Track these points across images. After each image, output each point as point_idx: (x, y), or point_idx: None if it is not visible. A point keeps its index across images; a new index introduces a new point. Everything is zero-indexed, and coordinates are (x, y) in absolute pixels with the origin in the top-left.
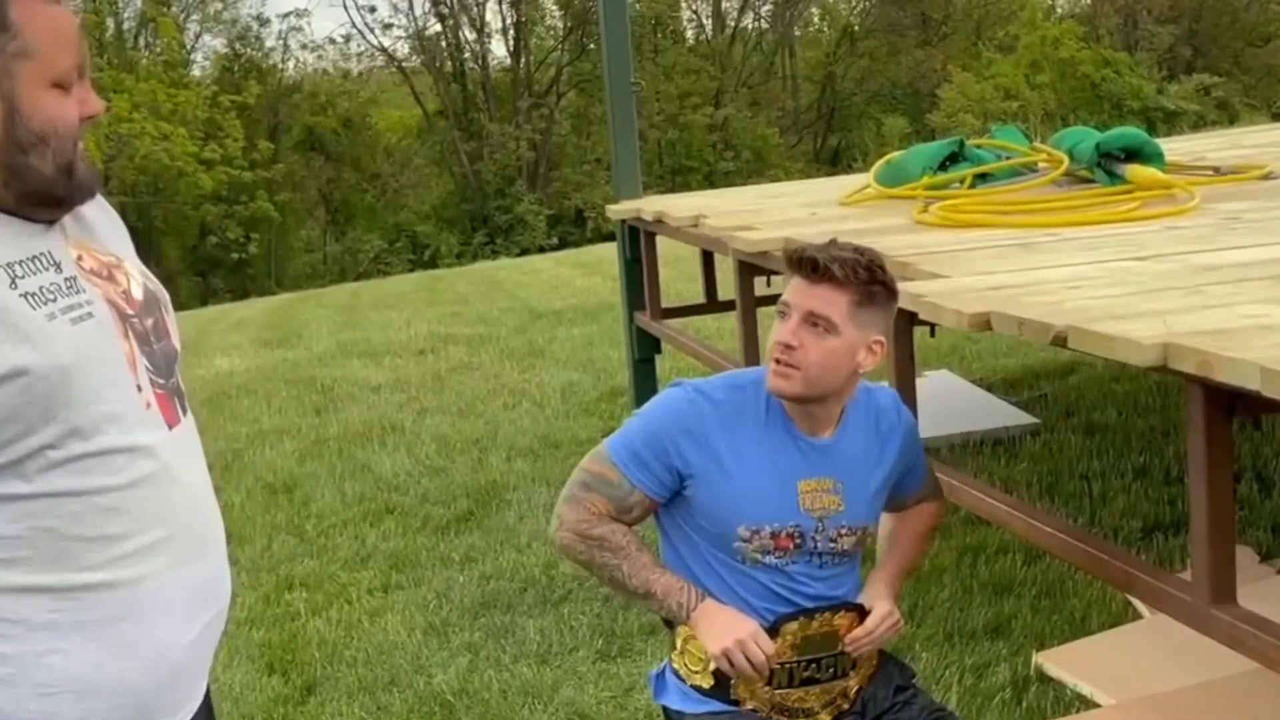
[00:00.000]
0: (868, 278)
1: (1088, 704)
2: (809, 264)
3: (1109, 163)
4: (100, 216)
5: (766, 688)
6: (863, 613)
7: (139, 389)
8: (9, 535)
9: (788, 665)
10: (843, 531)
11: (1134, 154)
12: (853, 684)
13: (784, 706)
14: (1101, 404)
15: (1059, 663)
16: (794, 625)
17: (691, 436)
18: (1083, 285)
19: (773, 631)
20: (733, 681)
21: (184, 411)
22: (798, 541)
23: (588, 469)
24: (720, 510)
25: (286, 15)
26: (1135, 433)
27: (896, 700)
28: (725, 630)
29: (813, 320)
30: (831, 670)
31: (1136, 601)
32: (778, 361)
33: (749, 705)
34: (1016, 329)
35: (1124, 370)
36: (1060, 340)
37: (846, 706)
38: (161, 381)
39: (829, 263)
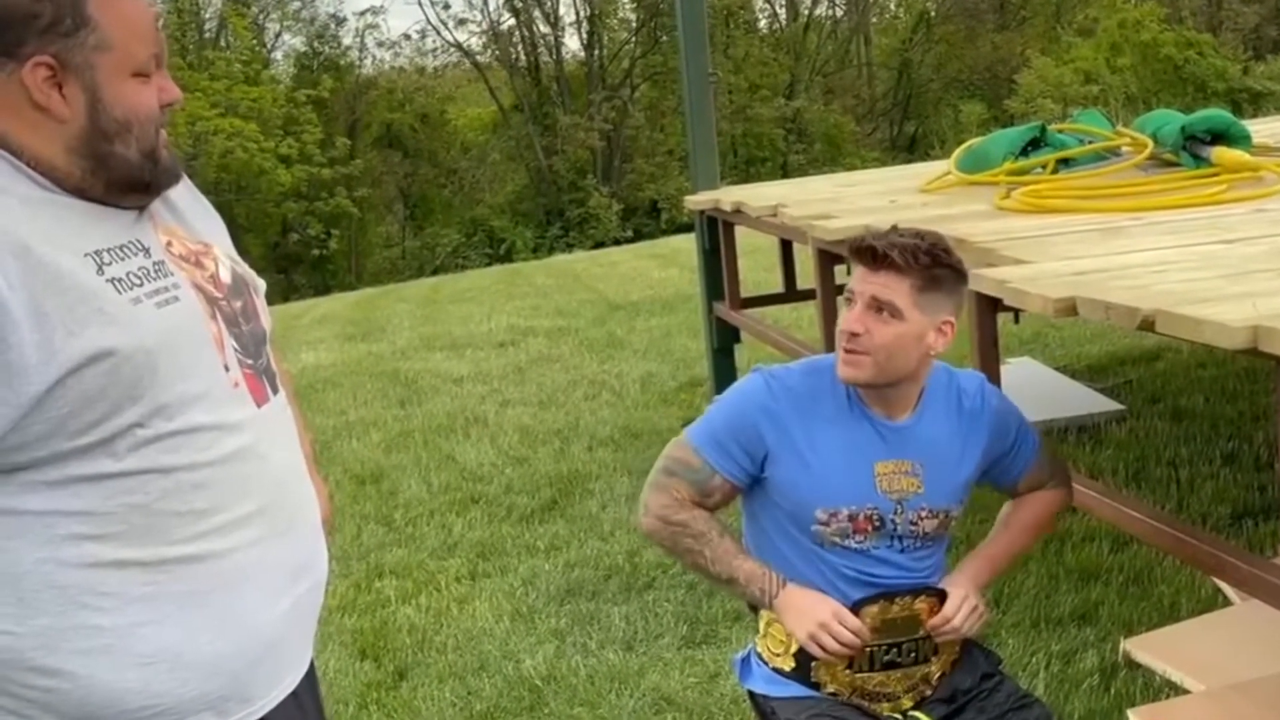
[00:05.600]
0: (930, 262)
1: (1177, 690)
2: (869, 252)
3: (1194, 146)
4: (191, 203)
5: (847, 671)
6: (944, 598)
7: (226, 369)
8: (102, 512)
9: (868, 648)
10: (923, 514)
11: (1220, 136)
12: (935, 669)
13: (865, 690)
14: (1188, 389)
15: (1147, 649)
16: (874, 608)
17: (771, 419)
18: (1169, 269)
19: (853, 614)
20: (813, 664)
21: (274, 391)
22: (877, 524)
23: (670, 455)
24: (798, 493)
25: (363, 13)
26: (1223, 418)
27: (983, 687)
28: (809, 615)
29: (877, 306)
30: (913, 655)
31: (1226, 588)
32: (846, 350)
33: (829, 688)
34: (1103, 314)
35: (1210, 355)
36: (1147, 324)
37: (929, 692)
38: (250, 362)
39: (888, 249)
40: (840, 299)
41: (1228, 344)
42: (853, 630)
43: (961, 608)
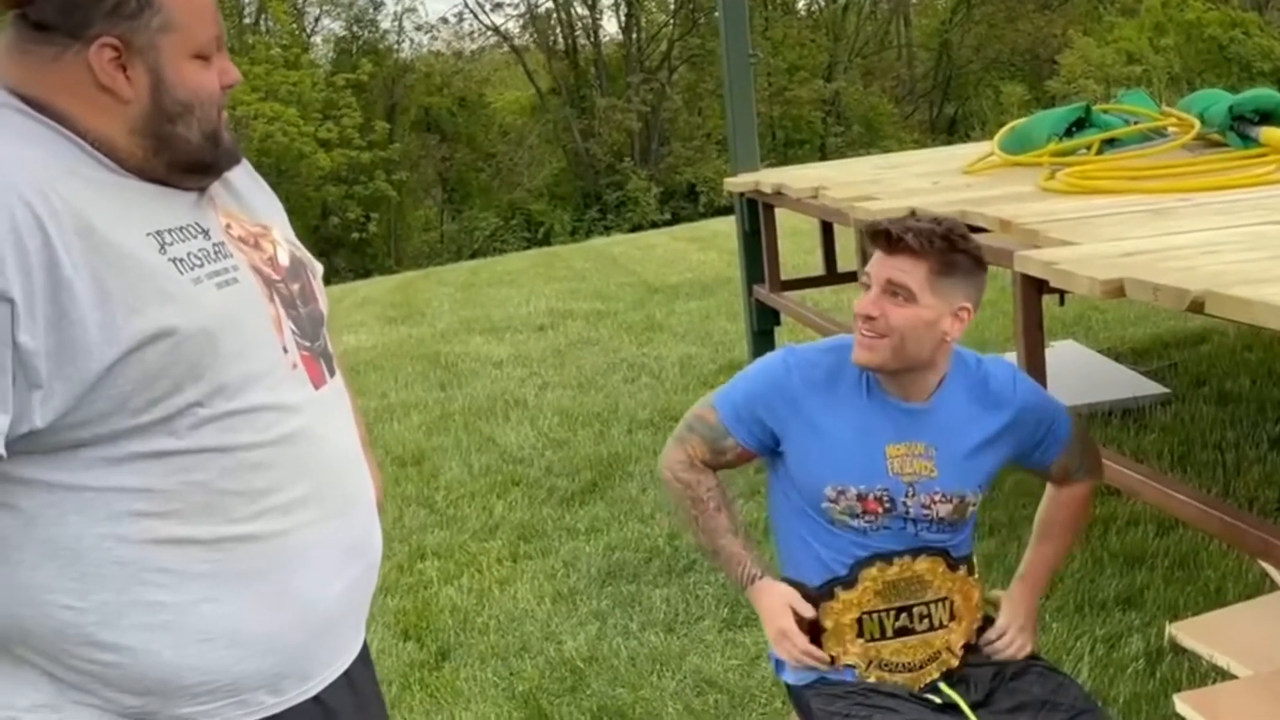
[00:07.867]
0: (945, 246)
1: (1224, 675)
2: (884, 235)
3: (1242, 126)
4: (251, 186)
5: (859, 640)
6: (948, 558)
7: (285, 350)
8: (162, 490)
9: (876, 614)
10: (936, 498)
11: (1268, 116)
12: (955, 636)
13: (882, 660)
14: (1234, 372)
15: (1193, 634)
16: (872, 570)
17: (785, 398)
18: (1218, 250)
19: (851, 580)
20: (822, 637)
21: (331, 373)
22: (887, 505)
23: (694, 413)
24: (808, 469)
25: None
26: (1270, 401)
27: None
28: (770, 621)
29: (892, 290)
30: (926, 620)
31: (1273, 572)
32: (863, 333)
33: (845, 661)
34: (1151, 295)
35: (1257, 338)
36: (1197, 306)
37: (955, 664)
38: (308, 344)
39: (903, 233)
40: (859, 283)
41: (1279, 325)
42: (808, 618)
43: (1013, 643)
